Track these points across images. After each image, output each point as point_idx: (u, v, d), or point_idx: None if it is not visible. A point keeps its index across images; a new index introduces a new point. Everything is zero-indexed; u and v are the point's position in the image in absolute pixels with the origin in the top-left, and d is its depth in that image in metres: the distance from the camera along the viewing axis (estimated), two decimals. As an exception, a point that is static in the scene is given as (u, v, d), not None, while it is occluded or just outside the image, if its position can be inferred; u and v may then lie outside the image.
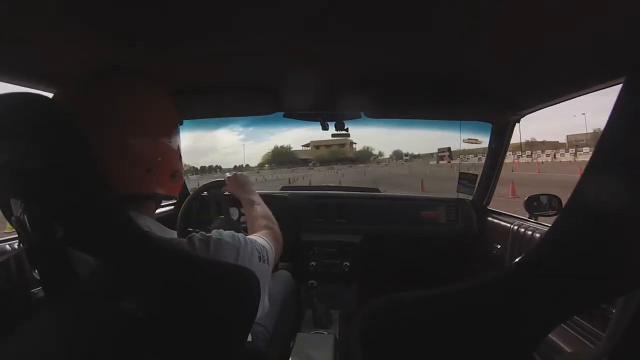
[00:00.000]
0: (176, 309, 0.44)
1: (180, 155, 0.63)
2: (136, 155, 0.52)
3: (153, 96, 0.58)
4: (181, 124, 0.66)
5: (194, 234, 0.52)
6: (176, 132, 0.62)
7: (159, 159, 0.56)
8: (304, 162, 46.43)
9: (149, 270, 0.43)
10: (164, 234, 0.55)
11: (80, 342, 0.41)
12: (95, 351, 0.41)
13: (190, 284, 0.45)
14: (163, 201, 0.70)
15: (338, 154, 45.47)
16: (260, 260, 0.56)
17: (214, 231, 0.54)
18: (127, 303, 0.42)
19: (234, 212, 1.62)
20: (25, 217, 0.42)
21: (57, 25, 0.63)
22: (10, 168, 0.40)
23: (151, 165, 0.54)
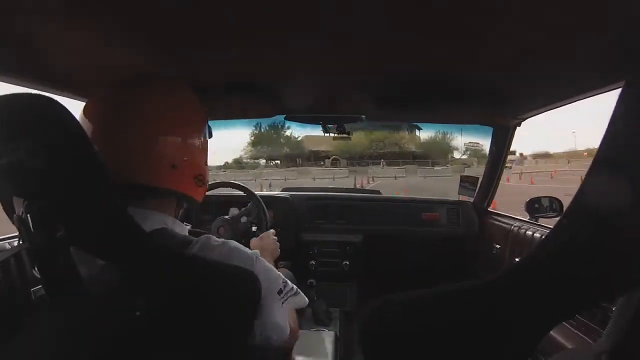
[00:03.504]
0: (177, 308, 0.44)
1: (207, 161, 0.64)
2: (162, 150, 0.54)
3: (181, 96, 0.60)
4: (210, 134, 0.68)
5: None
6: (203, 134, 0.62)
7: (185, 158, 0.56)
8: (316, 158, 29.62)
9: (149, 268, 0.44)
10: (180, 230, 0.56)
11: (81, 341, 0.41)
12: (96, 350, 0.41)
13: (190, 282, 0.45)
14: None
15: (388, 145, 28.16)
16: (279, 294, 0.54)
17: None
18: (129, 301, 0.42)
19: (234, 213, 1.62)
20: (28, 216, 0.43)
21: (58, 24, 0.64)
22: (13, 166, 0.40)
23: (176, 162, 0.55)
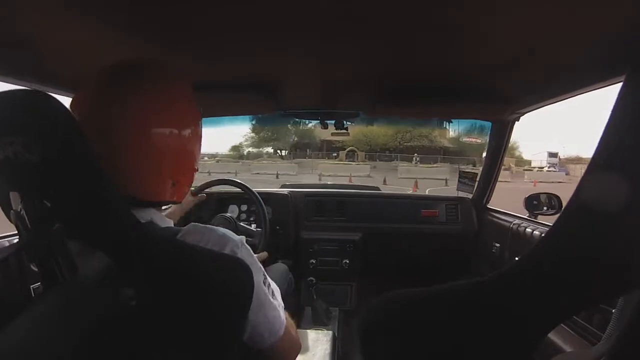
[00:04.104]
0: (170, 296, 0.44)
1: (198, 166, 0.61)
2: (162, 164, 0.51)
3: (179, 92, 0.54)
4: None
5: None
6: (199, 134, 0.58)
7: (184, 168, 0.54)
8: (329, 149, 25.35)
9: (142, 256, 0.44)
10: (166, 224, 0.55)
11: (74, 332, 0.41)
12: (89, 341, 0.41)
13: (182, 270, 0.45)
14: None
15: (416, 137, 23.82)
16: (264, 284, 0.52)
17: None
18: (122, 292, 0.42)
19: (234, 210, 1.62)
20: (25, 212, 0.42)
21: (58, 23, 0.63)
22: (9, 162, 0.40)
23: (175, 178, 0.53)
